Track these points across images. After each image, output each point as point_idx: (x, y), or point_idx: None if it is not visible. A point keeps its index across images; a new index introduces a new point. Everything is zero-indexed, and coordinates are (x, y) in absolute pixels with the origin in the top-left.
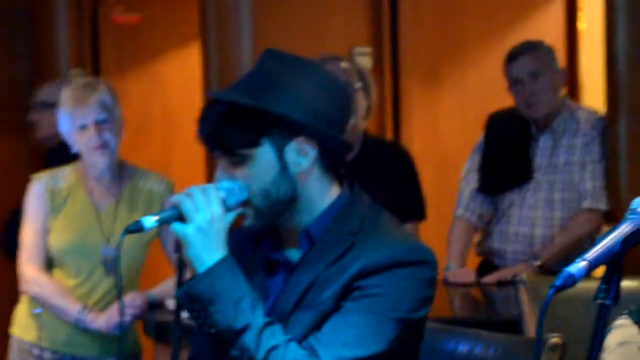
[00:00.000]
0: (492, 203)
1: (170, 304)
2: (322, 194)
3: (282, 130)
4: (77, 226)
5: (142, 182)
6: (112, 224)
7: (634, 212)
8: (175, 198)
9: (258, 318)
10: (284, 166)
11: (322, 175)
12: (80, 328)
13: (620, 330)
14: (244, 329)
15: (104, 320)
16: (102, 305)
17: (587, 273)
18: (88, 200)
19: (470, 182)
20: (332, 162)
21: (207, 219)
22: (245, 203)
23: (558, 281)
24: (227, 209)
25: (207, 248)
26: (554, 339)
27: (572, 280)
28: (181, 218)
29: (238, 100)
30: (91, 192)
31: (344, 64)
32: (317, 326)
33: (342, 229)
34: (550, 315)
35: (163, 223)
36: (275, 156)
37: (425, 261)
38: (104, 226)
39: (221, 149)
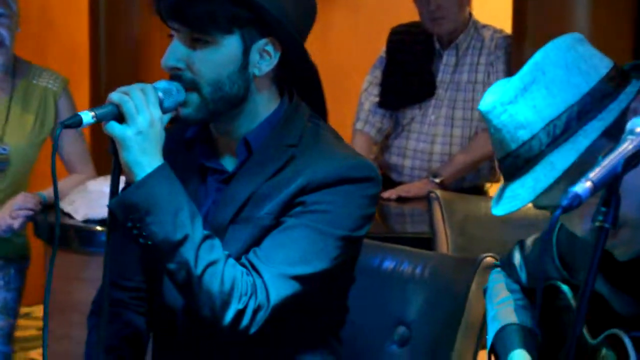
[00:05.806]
0: (392, 118)
1: (65, 206)
2: (267, 103)
3: (257, 25)
4: None
5: (37, 78)
6: (5, 121)
7: (633, 132)
8: (114, 96)
9: (197, 230)
10: (245, 64)
11: (272, 84)
12: None
13: (496, 286)
14: (182, 241)
15: None
16: None
17: (592, 194)
18: None
19: (370, 95)
20: (286, 73)
21: (147, 122)
22: (191, 89)
23: (565, 201)
24: (164, 110)
25: (146, 153)
26: (488, 259)
27: (579, 201)
28: (119, 118)
29: None
30: None
31: None
32: (256, 242)
33: (282, 141)
34: (462, 234)
35: (100, 120)
36: (241, 51)
37: (369, 178)
38: None
39: (186, 23)
